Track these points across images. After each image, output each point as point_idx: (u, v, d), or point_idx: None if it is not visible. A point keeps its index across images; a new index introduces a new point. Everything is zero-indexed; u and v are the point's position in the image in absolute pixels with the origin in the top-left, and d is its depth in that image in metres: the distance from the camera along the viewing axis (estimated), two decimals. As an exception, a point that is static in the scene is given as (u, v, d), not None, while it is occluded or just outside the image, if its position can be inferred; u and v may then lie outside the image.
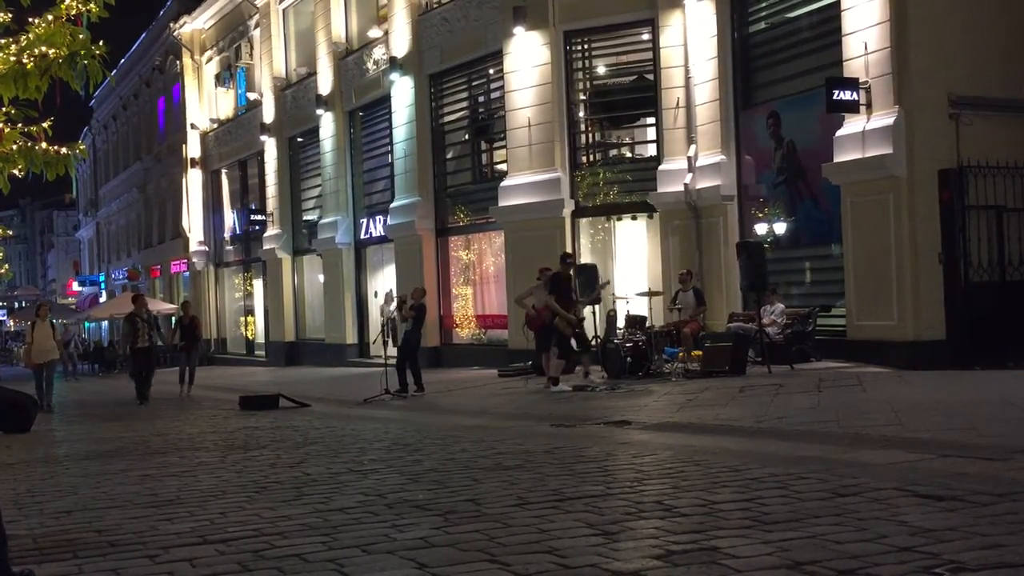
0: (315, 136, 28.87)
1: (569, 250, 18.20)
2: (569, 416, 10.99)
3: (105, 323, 46.71)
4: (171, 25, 38.66)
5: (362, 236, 26.75)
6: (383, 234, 25.15)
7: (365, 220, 26.59)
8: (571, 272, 15.09)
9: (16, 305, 77.39)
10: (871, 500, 5.37)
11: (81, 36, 10.40)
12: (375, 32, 25.73)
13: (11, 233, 71.45)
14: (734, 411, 10.39)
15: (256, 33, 32.99)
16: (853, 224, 14.76)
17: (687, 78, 17.95)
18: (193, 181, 38.60)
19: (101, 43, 10.43)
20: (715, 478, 6.41)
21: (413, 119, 23.56)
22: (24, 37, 10.71)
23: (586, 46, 20.11)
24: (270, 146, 31.63)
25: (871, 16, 14.42)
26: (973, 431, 7.84)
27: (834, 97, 14.27)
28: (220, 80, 36.05)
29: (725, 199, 17.29)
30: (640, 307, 16.75)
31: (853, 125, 14.58)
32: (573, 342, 14.62)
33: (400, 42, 23.83)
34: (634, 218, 19.68)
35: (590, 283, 16.14)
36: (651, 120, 19.35)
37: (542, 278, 15.59)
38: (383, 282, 25.94)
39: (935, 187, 14.15)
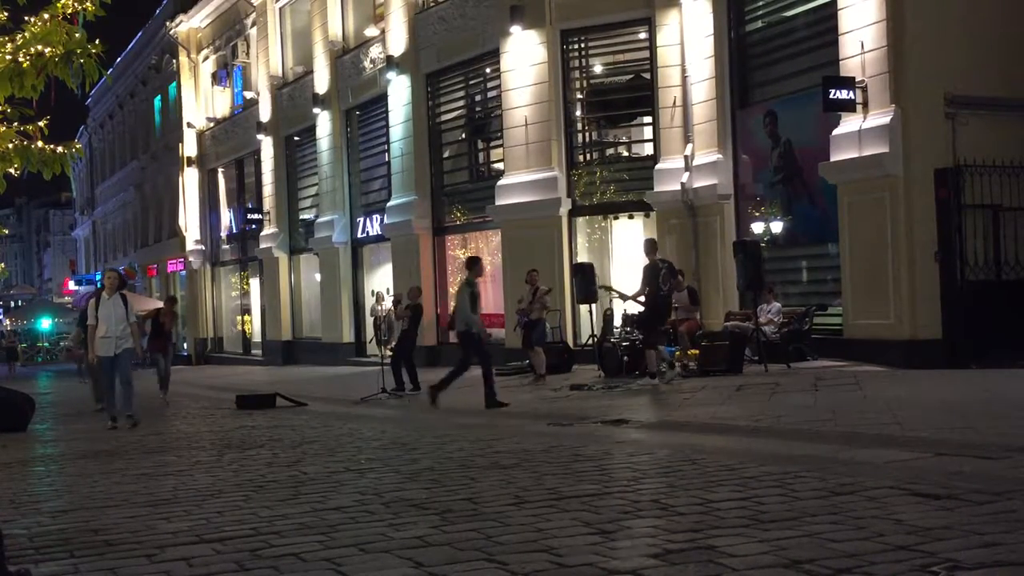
0: (312, 135, 28.83)
1: (566, 249, 18.33)
2: (566, 415, 11.00)
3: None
4: (167, 24, 38.61)
5: (359, 235, 26.71)
6: (380, 233, 25.13)
7: (362, 219, 26.56)
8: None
9: (12, 304, 77.28)
10: (868, 499, 5.38)
11: (77, 35, 10.40)
12: (372, 31, 25.71)
13: (7, 232, 71.39)
14: (731, 410, 10.40)
15: (253, 32, 32.95)
16: (850, 223, 14.76)
17: (684, 77, 17.92)
18: (189, 180, 38.54)
19: (97, 41, 10.42)
20: (712, 477, 6.41)
21: (410, 118, 23.54)
22: (20, 35, 10.70)
23: (583, 45, 20.09)
24: (267, 145, 31.58)
25: (867, 15, 14.42)
26: (970, 430, 7.85)
27: (831, 96, 14.27)
28: (216, 79, 36.00)
29: (722, 198, 17.28)
30: (637, 306, 16.71)
31: (850, 124, 14.58)
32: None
33: (397, 41, 23.82)
34: (631, 217, 19.66)
35: (587, 282, 16.32)
36: (648, 119, 19.33)
37: (529, 280, 16.51)
38: (380, 281, 25.94)
39: (931, 186, 14.14)
